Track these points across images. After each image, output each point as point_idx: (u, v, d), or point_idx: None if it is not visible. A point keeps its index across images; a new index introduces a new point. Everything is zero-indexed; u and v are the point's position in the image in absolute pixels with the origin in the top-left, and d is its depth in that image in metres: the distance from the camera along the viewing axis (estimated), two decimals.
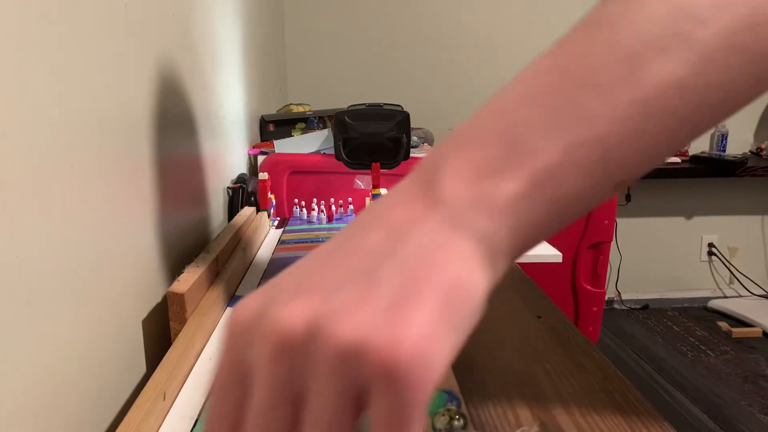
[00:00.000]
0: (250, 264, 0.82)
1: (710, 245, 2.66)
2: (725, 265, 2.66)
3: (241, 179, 1.15)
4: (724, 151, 2.46)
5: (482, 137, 0.22)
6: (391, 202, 0.22)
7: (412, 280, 0.19)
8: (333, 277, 0.20)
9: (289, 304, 0.19)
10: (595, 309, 1.72)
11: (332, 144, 1.04)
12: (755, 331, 2.25)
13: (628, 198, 2.33)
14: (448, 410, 0.37)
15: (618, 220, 1.61)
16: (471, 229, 0.21)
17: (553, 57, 0.24)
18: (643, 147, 0.23)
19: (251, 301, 0.21)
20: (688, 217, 2.61)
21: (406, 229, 0.21)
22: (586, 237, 1.61)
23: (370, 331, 0.18)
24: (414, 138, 1.61)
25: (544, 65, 0.24)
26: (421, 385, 0.18)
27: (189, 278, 0.60)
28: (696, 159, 2.38)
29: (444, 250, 0.20)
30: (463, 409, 0.39)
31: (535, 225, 0.22)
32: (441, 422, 0.36)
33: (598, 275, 1.69)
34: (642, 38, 0.22)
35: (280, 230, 1.01)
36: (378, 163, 1.02)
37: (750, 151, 2.60)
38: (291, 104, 1.87)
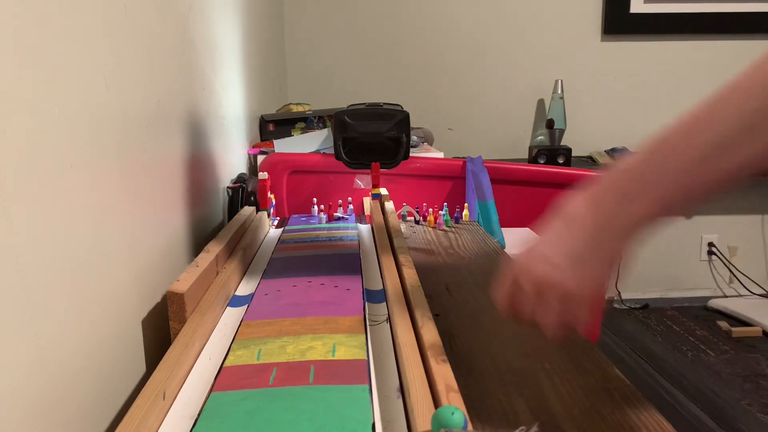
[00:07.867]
0: (250, 264, 0.82)
1: (710, 245, 2.65)
2: (725, 265, 2.66)
3: (240, 179, 1.15)
4: None
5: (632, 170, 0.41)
6: (576, 201, 0.43)
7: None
8: (544, 251, 0.44)
9: (540, 267, 0.44)
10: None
11: (332, 144, 1.04)
12: (755, 331, 2.25)
13: None
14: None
15: None
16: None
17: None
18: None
19: (524, 257, 0.45)
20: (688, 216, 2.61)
21: (574, 218, 0.43)
22: None
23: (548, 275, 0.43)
24: (414, 137, 1.61)
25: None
26: (535, 276, 0.44)
27: (189, 278, 0.60)
28: None
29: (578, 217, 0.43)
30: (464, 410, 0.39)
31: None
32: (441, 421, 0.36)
33: None
34: None
35: (280, 230, 1.01)
36: (378, 163, 1.02)
37: None
38: (291, 104, 1.87)
